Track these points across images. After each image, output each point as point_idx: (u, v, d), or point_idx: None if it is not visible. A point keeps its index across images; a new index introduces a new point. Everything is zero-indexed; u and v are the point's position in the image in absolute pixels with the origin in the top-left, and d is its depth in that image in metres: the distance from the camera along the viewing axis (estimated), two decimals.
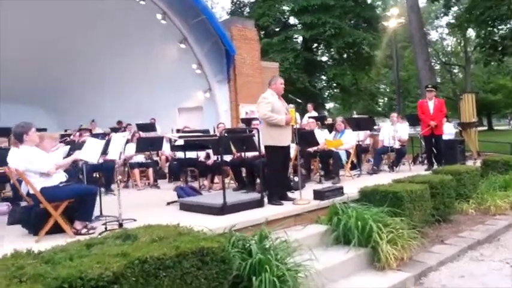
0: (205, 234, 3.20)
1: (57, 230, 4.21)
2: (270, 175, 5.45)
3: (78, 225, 4.25)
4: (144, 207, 5.78)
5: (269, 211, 4.87)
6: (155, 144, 7.93)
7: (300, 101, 5.46)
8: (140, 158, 8.50)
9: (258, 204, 5.12)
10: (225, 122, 12.54)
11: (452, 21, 23.72)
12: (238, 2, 26.00)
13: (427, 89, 8.43)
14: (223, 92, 12.75)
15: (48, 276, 2.33)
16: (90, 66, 13.16)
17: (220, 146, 6.20)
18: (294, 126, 5.73)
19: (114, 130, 11.11)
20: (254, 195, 5.33)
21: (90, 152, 4.87)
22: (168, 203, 5.74)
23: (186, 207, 5.24)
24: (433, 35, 36.03)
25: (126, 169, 8.61)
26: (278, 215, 4.78)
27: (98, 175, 7.94)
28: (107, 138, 4.84)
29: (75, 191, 4.23)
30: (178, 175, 7.50)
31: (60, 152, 5.73)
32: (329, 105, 39.29)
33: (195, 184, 7.38)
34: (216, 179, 7.17)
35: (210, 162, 7.11)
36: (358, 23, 21.73)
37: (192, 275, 2.76)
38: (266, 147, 5.46)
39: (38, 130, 10.16)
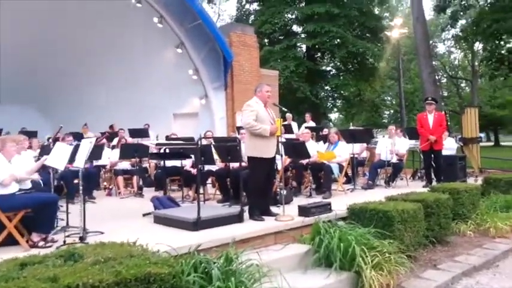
0: (159, 257, 2.85)
1: (14, 241, 3.89)
2: (252, 188, 5.10)
3: (35, 237, 3.92)
4: (118, 218, 5.45)
5: (247, 227, 4.52)
6: (140, 150, 7.60)
7: (285, 109, 5.11)
8: (125, 164, 8.18)
9: (237, 219, 4.76)
10: (220, 129, 12.27)
11: (459, 33, 23.38)
12: (243, 10, 25.83)
13: (427, 101, 8.06)
14: (219, 99, 12.45)
15: None
16: (85, 68, 12.92)
17: (202, 156, 5.91)
18: (280, 137, 5.40)
19: (108, 134, 10.87)
20: (234, 210, 4.97)
21: (58, 159, 4.56)
22: (144, 215, 5.40)
23: (159, 220, 4.89)
24: (440, 48, 35.70)
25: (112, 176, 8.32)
26: (257, 232, 4.43)
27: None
28: (75, 144, 4.51)
29: (32, 200, 3.90)
30: (163, 184, 7.16)
31: (27, 157, 5.44)
32: (334, 115, 38.94)
33: (179, 194, 7.04)
34: (201, 190, 6.81)
35: (194, 171, 6.76)
36: (363, 33, 21.41)
37: None
38: (249, 158, 5.11)
39: (28, 132, 9.95)
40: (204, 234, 4.16)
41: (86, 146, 4.23)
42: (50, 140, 7.25)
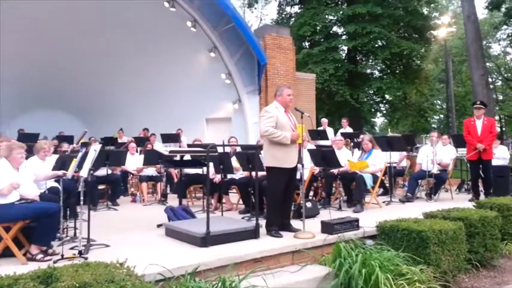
0: (142, 282, 2.51)
1: (13, 253, 3.72)
2: (270, 201, 4.69)
3: (34, 249, 3.72)
4: (131, 229, 5.21)
5: (262, 245, 4.10)
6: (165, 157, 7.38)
7: (308, 114, 4.66)
8: (151, 171, 8.03)
9: (252, 234, 4.36)
10: (253, 135, 11.92)
11: None
12: (284, 13, 25.44)
13: (475, 106, 7.28)
14: (253, 104, 12.10)
15: None
16: (120, 74, 13.04)
17: (221, 164, 5.59)
18: (303, 144, 4.96)
19: (138, 139, 10.85)
20: (250, 224, 4.57)
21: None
22: (158, 226, 5.13)
23: (170, 232, 4.59)
24: (495, 49, 33.42)
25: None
26: (272, 251, 4.00)
27: (106, 187, 7.55)
28: (84, 151, 4.32)
29: (33, 210, 3.70)
30: (185, 192, 6.92)
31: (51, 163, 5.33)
32: (379, 120, 37.36)
33: (200, 203, 6.76)
34: (224, 199, 6.49)
35: (216, 179, 6.45)
36: (409, 33, 20.30)
37: None
38: (267, 168, 4.71)
39: (65, 137, 10.07)
40: (210, 252, 3.80)
41: (90, 155, 4.00)
42: (74, 145, 7.20)
